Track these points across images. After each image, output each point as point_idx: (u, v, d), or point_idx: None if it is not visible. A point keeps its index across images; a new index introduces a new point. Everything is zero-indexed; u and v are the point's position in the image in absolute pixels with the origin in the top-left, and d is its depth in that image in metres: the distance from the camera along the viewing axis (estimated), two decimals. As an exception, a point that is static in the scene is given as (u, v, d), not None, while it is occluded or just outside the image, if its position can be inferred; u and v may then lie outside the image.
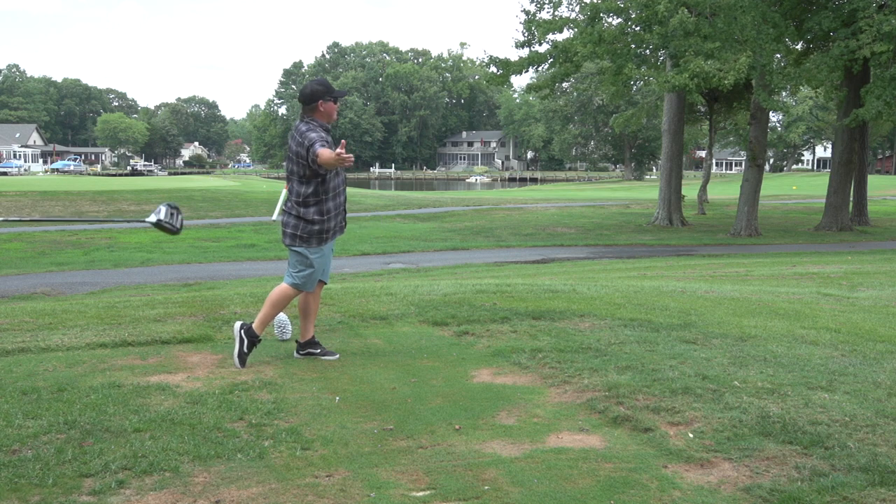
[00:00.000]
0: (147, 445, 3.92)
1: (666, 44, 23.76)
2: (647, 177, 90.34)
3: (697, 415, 4.29)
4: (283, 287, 5.69)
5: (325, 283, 5.96)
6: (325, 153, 5.28)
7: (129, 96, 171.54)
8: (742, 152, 60.01)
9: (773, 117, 70.17)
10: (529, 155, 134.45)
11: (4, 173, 75.96)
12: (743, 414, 4.26)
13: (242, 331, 5.57)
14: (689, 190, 35.38)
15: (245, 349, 5.54)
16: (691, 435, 4.03)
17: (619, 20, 26.00)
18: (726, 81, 22.40)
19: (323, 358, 5.73)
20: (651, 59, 28.52)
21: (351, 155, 5.17)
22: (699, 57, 22.55)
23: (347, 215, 5.92)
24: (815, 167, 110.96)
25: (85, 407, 4.51)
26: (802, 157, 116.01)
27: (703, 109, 36.01)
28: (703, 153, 69.24)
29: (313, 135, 5.44)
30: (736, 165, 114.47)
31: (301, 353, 5.81)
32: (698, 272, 14.81)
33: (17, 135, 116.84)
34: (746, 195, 26.94)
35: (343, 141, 5.32)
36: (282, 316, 6.26)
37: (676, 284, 10.20)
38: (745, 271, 14.76)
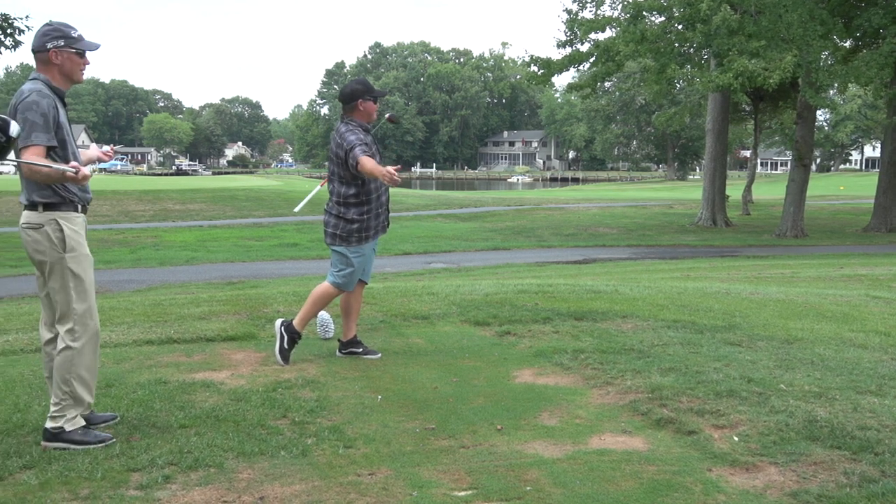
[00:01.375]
0: (192, 441, 3.97)
1: (709, 42, 23.47)
2: (691, 177, 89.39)
3: (742, 418, 4.23)
4: (324, 286, 5.73)
5: (366, 283, 5.99)
6: (367, 162, 5.24)
7: (175, 97, 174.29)
8: (788, 152, 59.09)
9: (821, 116, 69.07)
10: (571, 155, 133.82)
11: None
12: (789, 418, 4.20)
13: (283, 327, 5.64)
14: (734, 190, 34.93)
15: (286, 345, 5.60)
16: (736, 438, 3.98)
17: (662, 19, 25.76)
18: (771, 81, 22.07)
19: (365, 357, 5.76)
20: (695, 57, 28.19)
21: (399, 178, 5.11)
22: (744, 56, 22.24)
23: (390, 215, 5.94)
24: (863, 167, 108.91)
25: (132, 403, 4.59)
26: (850, 157, 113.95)
27: (748, 108, 35.51)
28: (747, 153, 68.27)
29: (352, 137, 5.45)
30: (781, 165, 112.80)
31: (343, 351, 5.85)
32: (743, 273, 14.61)
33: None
34: (792, 195, 26.52)
35: (399, 166, 5.30)
36: (324, 315, 6.31)
37: (720, 286, 10.08)
38: (790, 273, 14.53)
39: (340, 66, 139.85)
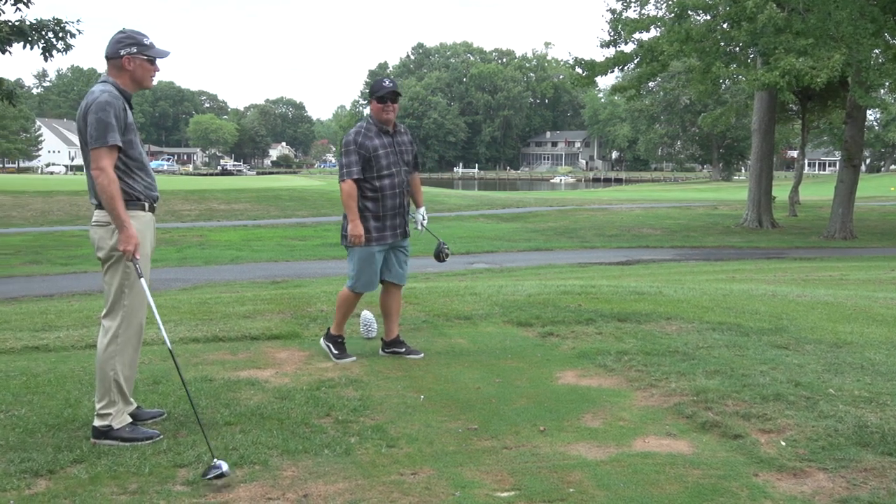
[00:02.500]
0: (237, 439, 4.02)
1: (755, 41, 23.12)
2: (736, 177, 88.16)
3: (790, 422, 4.17)
4: (343, 290, 5.83)
5: (401, 286, 5.96)
6: (346, 189, 5.49)
7: (220, 98, 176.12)
8: (836, 152, 57.99)
9: (871, 116, 67.59)
10: (614, 155, 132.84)
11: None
12: (838, 423, 4.12)
13: (324, 340, 5.82)
14: (780, 191, 34.39)
15: (335, 350, 5.72)
16: (783, 443, 3.92)
17: (707, 17, 25.44)
18: (819, 80, 21.66)
19: (408, 356, 5.79)
20: (740, 56, 27.79)
21: (361, 237, 5.50)
22: (791, 54, 21.87)
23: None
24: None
25: (179, 400, 4.66)
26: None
27: (795, 108, 34.90)
28: (794, 153, 67.18)
29: (350, 150, 5.51)
30: (829, 166, 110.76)
31: (386, 351, 5.88)
32: (789, 275, 14.38)
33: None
34: (841, 196, 26.05)
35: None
36: (367, 314, 6.37)
37: (767, 288, 9.94)
38: (839, 275, 14.28)
39: (383, 66, 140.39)
